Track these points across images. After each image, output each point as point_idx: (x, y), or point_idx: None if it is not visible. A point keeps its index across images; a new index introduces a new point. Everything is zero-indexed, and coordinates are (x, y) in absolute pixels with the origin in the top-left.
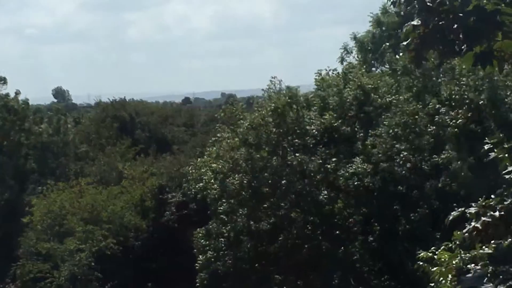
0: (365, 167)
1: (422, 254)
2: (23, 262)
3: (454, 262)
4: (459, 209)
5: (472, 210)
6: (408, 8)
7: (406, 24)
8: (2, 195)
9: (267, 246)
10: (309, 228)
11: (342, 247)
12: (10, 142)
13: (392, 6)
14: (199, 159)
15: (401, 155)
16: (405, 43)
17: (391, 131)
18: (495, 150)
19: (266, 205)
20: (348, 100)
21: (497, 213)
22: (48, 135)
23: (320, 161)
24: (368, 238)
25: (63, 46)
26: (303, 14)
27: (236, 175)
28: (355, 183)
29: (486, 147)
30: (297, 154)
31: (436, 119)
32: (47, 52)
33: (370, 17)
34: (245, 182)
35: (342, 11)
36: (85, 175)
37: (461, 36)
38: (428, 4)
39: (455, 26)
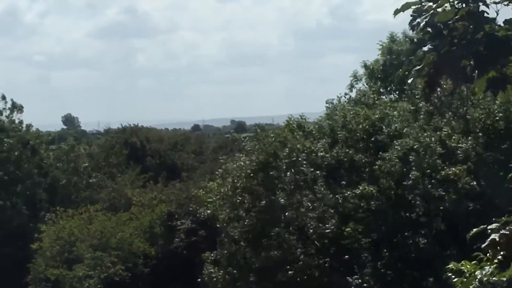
0: (372, 189)
1: (451, 265)
2: None
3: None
4: (481, 226)
5: (494, 226)
6: (421, 34)
7: (419, 50)
8: (13, 222)
9: (274, 277)
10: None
11: (352, 276)
12: (22, 171)
13: (411, 30)
14: (209, 182)
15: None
16: (417, 68)
17: (401, 154)
18: None
19: (271, 234)
20: (357, 134)
21: None
22: (58, 162)
23: (329, 191)
24: (378, 264)
25: (72, 73)
26: (310, 42)
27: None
28: (363, 207)
29: None
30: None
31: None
32: (56, 79)
33: (379, 45)
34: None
35: (349, 39)
36: (94, 202)
37: (472, 62)
38: (443, 30)
39: (466, 52)
